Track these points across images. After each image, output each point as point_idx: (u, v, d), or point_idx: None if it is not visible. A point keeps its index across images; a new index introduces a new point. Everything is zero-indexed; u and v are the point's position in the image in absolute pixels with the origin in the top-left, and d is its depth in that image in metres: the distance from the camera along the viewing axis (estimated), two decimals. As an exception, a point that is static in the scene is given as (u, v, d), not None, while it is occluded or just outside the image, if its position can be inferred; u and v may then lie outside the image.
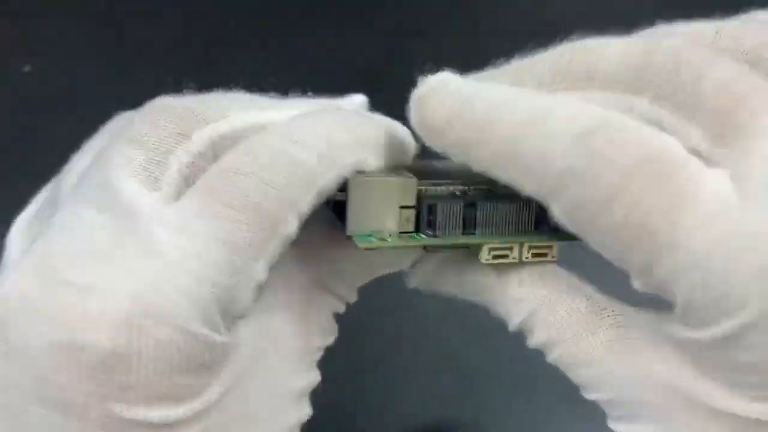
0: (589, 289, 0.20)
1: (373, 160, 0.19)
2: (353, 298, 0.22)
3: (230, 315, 0.18)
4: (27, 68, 0.47)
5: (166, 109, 0.19)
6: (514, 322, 0.20)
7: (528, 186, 0.17)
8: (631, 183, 0.16)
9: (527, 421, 0.34)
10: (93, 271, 0.17)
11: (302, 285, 0.21)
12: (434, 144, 0.19)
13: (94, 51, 0.48)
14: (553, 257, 0.19)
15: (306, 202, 0.18)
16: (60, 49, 0.48)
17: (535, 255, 0.19)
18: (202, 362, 0.17)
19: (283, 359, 0.20)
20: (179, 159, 0.18)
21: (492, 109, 0.17)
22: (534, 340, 0.20)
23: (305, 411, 0.20)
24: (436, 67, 0.19)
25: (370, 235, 0.19)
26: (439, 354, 0.36)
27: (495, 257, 0.19)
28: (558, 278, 0.20)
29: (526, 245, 0.19)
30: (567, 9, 0.51)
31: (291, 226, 0.18)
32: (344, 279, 0.21)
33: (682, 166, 0.16)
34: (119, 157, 0.18)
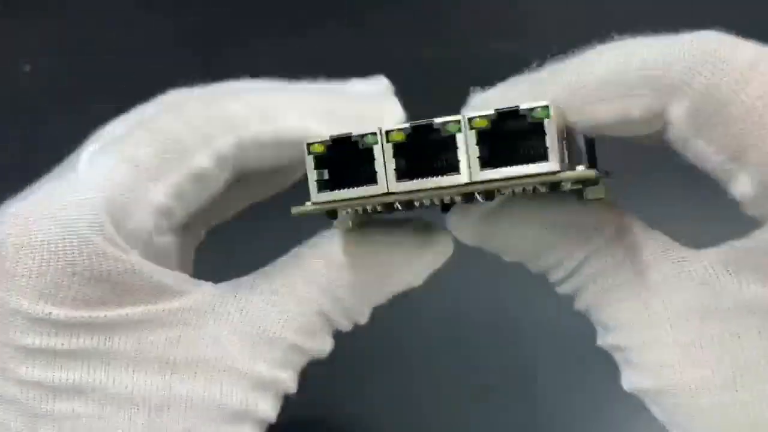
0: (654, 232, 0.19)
1: (319, 127, 0.20)
2: (363, 318, 0.21)
3: (128, 233, 0.19)
4: (27, 68, 0.47)
5: (172, 94, 0.21)
6: (563, 273, 0.20)
7: (640, 101, 0.17)
8: (760, 64, 0.16)
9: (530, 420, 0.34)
10: (28, 193, 0.19)
11: (302, 280, 0.20)
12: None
13: (94, 51, 0.48)
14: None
15: (223, 143, 0.19)
16: (60, 49, 0.48)
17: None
18: (91, 270, 0.18)
19: (241, 334, 0.19)
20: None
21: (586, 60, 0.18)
22: (588, 295, 0.19)
23: (261, 407, 0.19)
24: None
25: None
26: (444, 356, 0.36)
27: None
28: (616, 210, 0.20)
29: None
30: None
31: (201, 161, 0.19)
32: (346, 310, 0.21)
33: None
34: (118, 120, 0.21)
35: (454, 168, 0.17)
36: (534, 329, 0.35)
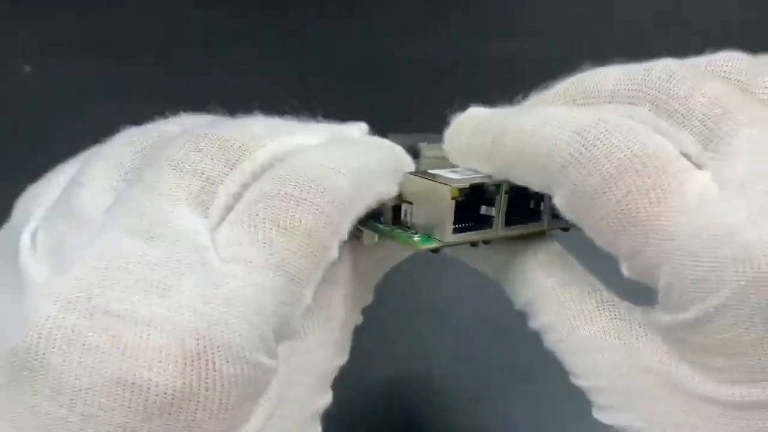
0: (593, 280, 0.21)
1: (392, 187, 0.20)
2: (370, 299, 0.22)
3: (281, 337, 0.18)
4: (27, 68, 0.47)
5: (208, 138, 0.18)
6: (519, 302, 0.21)
7: (536, 180, 0.19)
8: (624, 173, 0.17)
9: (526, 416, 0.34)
10: (146, 303, 0.16)
11: (335, 305, 0.21)
12: (462, 162, 0.21)
13: (94, 51, 0.48)
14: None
15: (346, 227, 0.18)
16: (60, 49, 0.48)
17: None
18: (261, 390, 0.17)
19: (308, 382, 0.20)
20: (227, 189, 0.18)
21: (503, 124, 0.20)
22: (535, 323, 0.21)
23: (317, 429, 0.20)
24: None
25: (428, 238, 0.20)
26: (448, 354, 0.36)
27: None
28: (566, 266, 0.21)
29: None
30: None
31: (335, 252, 0.18)
32: (363, 282, 0.21)
33: (672, 162, 0.17)
34: (167, 183, 0.17)
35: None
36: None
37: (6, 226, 0.19)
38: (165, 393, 0.15)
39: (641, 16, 0.51)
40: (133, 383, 0.15)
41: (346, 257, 0.20)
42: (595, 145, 0.18)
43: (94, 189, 0.18)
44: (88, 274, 0.16)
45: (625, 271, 0.18)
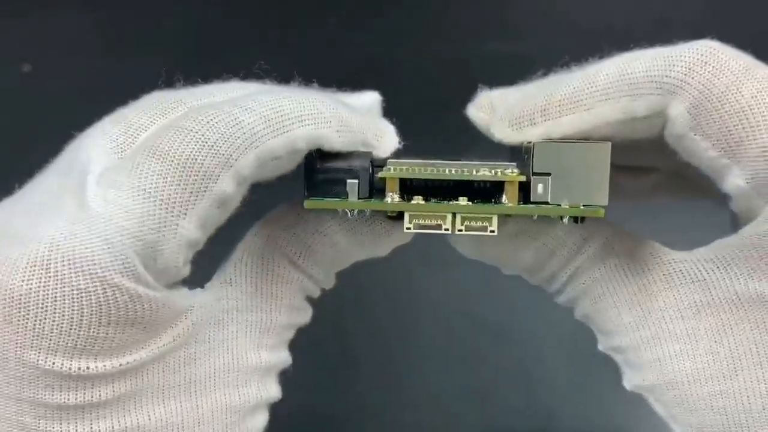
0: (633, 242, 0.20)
1: (331, 138, 0.19)
2: (330, 283, 0.22)
3: (157, 271, 0.18)
4: (27, 68, 0.47)
5: (154, 96, 0.20)
6: (568, 268, 0.20)
7: (644, 104, 0.19)
8: (754, 70, 0.18)
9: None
10: (25, 222, 0.17)
11: (269, 260, 0.20)
12: (540, 118, 0.20)
13: (94, 51, 0.48)
14: (492, 231, 0.19)
15: (244, 162, 0.18)
16: (60, 49, 0.48)
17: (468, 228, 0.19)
18: (126, 316, 0.17)
19: (243, 331, 0.20)
20: (147, 131, 0.19)
21: (573, 75, 0.20)
22: (574, 286, 0.20)
23: (271, 390, 0.20)
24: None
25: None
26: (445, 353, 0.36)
27: (468, 228, 0.19)
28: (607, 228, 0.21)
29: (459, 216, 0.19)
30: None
31: (224, 185, 0.18)
32: (317, 261, 0.21)
33: None
34: (97, 132, 0.19)
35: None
36: (539, 328, 0.35)
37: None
38: (12, 297, 0.17)
39: (640, 16, 0.51)
40: None
41: (280, 214, 0.21)
42: (717, 50, 0.18)
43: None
44: (11, 202, 0.19)
45: (740, 181, 0.18)
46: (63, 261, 0.17)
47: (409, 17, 0.50)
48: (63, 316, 0.17)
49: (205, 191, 0.18)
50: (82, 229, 0.17)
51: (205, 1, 0.51)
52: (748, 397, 0.18)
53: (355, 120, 0.20)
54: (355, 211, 0.20)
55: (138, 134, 0.18)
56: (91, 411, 0.17)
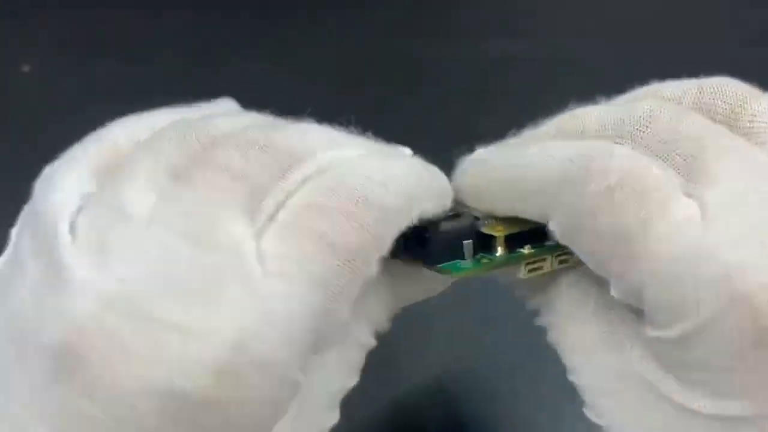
0: (591, 281, 0.21)
1: (435, 207, 0.20)
2: (387, 325, 0.22)
3: (318, 350, 0.17)
4: (27, 68, 0.47)
5: (262, 142, 0.18)
6: (531, 304, 0.23)
7: (530, 210, 0.20)
8: (614, 195, 0.18)
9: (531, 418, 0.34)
10: (189, 310, 0.16)
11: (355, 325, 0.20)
12: (473, 203, 0.21)
13: (95, 51, 0.48)
14: (574, 261, 0.21)
15: (388, 243, 0.18)
16: (60, 49, 0.48)
17: (561, 262, 0.22)
18: (285, 405, 0.17)
19: (321, 400, 0.20)
20: (275, 197, 0.17)
21: (499, 160, 0.21)
22: (543, 320, 0.22)
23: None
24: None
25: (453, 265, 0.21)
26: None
27: (530, 270, 0.22)
28: (573, 276, 0.22)
29: (555, 255, 0.21)
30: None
31: (375, 269, 0.18)
32: (385, 305, 0.21)
33: (658, 187, 0.18)
34: (217, 187, 0.17)
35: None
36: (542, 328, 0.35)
37: (29, 209, 0.19)
38: (199, 401, 0.15)
39: (639, 15, 0.51)
40: (168, 390, 0.15)
41: (376, 279, 0.20)
42: (586, 169, 0.19)
43: (138, 186, 0.17)
44: (131, 274, 0.16)
45: (614, 293, 0.19)
46: (248, 364, 0.16)
47: (408, 17, 0.50)
48: (244, 415, 0.16)
49: (364, 277, 0.17)
50: (262, 327, 0.16)
51: (206, 5, 0.51)
52: None
53: (444, 184, 0.21)
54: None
55: (264, 196, 0.17)
56: None
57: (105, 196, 0.18)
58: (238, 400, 0.16)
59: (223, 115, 0.20)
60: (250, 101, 0.22)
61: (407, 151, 0.22)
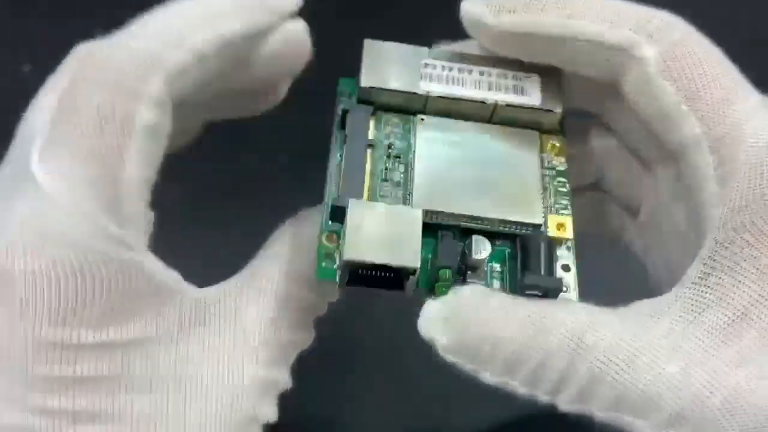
0: None
1: (231, 27, 0.21)
2: (334, 296, 0.22)
3: (124, 218, 0.18)
4: (27, 68, 0.47)
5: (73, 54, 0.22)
6: None
7: (622, 34, 0.20)
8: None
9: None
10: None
11: (283, 277, 0.21)
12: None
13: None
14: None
15: (153, 86, 0.19)
16: (60, 49, 0.48)
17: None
18: (101, 278, 0.18)
19: (244, 341, 0.20)
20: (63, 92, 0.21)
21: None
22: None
23: (266, 411, 0.20)
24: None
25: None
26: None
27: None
28: None
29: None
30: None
31: (148, 116, 0.19)
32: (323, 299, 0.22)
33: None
34: (34, 107, 0.21)
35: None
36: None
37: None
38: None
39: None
40: None
41: (288, 235, 0.21)
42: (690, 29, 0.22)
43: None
44: None
45: (696, 129, 0.20)
46: (34, 237, 0.18)
47: (408, 17, 0.50)
48: (49, 287, 0.18)
49: (131, 131, 0.19)
50: (45, 204, 0.18)
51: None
52: None
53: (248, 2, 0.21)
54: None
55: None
56: (74, 386, 0.18)
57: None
58: (32, 269, 0.18)
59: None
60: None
61: None
